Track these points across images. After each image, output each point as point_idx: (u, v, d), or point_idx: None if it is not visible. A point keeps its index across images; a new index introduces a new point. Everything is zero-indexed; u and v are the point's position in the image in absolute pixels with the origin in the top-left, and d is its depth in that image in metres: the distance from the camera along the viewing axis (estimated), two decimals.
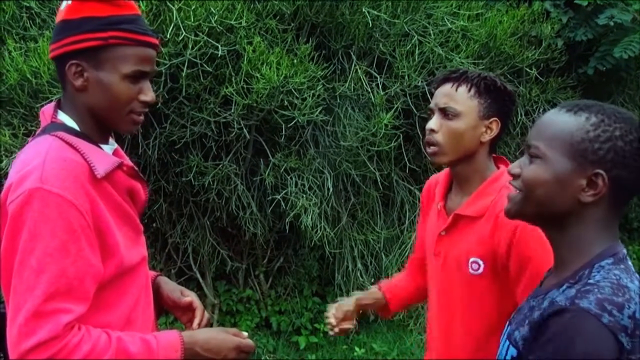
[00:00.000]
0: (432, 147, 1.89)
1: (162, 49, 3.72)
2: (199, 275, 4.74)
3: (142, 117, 1.57)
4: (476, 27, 4.56)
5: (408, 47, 4.32)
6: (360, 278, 4.66)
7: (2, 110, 3.91)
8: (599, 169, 1.22)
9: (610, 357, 1.13)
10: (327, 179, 4.27)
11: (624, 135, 1.23)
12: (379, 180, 4.34)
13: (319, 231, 4.21)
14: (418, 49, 4.31)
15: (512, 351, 1.26)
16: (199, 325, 1.75)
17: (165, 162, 4.30)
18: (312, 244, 4.41)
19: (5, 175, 3.88)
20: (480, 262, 1.85)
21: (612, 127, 1.23)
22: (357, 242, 4.62)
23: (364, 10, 4.17)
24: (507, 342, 1.29)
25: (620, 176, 1.23)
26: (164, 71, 3.78)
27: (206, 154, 4.25)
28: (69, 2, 1.50)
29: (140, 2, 3.70)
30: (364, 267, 4.66)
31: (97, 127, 1.55)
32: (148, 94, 1.54)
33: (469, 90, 1.86)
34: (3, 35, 4.02)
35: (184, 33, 3.70)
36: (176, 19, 3.70)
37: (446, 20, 4.48)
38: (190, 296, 1.80)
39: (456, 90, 1.86)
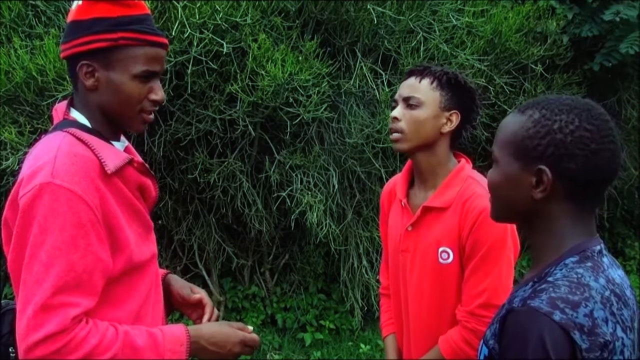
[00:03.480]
0: (395, 134, 1.98)
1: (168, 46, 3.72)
2: (204, 273, 4.75)
3: (152, 116, 1.59)
4: (481, 24, 4.55)
5: (413, 44, 4.31)
6: (366, 275, 4.66)
7: (8, 108, 3.92)
8: (541, 164, 1.22)
9: (563, 353, 1.11)
10: (333, 176, 4.27)
11: (563, 127, 1.21)
12: (384, 177, 4.33)
13: (324, 228, 4.21)
14: (423, 46, 4.31)
15: (485, 350, 1.26)
16: (209, 321, 1.76)
17: (170, 159, 4.30)
18: (318, 240, 4.41)
19: (12, 172, 3.89)
20: (450, 251, 1.94)
21: (551, 121, 1.22)
22: (363, 239, 4.62)
23: (369, 7, 4.17)
24: (482, 342, 1.29)
25: (568, 168, 1.21)
26: (169, 69, 3.78)
27: (211, 151, 4.26)
28: (80, 2, 1.51)
29: (146, 0, 3.71)
30: (369, 264, 4.67)
31: (108, 125, 1.57)
32: (158, 93, 1.56)
33: (432, 82, 1.98)
34: (9, 34, 4.03)
35: (189, 30, 3.70)
36: (181, 16, 3.70)
37: (451, 16, 4.47)
38: (200, 293, 1.80)
39: (420, 82, 1.99)
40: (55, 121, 1.60)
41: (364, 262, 4.66)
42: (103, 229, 1.45)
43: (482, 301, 1.87)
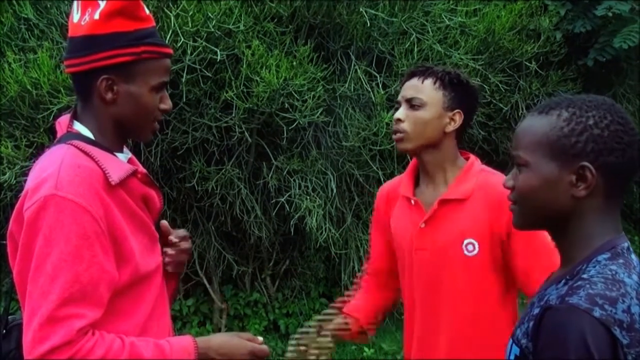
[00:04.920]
0: (398, 134, 1.98)
1: None
2: (205, 281, 4.74)
3: (158, 125, 1.63)
4: (474, 23, 4.56)
5: (407, 45, 4.31)
6: None
7: (3, 122, 3.92)
8: (583, 161, 1.21)
9: (605, 350, 1.11)
10: (331, 180, 4.27)
11: (599, 122, 1.22)
12: (382, 179, 4.32)
13: (324, 232, 4.21)
14: (417, 47, 4.31)
15: (515, 350, 1.25)
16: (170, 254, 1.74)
17: (168, 168, 4.30)
18: (318, 245, 4.41)
19: (9, 186, 3.88)
20: (475, 243, 1.92)
21: (585, 117, 1.22)
22: (363, 242, 4.61)
23: (361, 9, 4.17)
24: (511, 341, 1.28)
25: (608, 162, 1.21)
26: None
27: (209, 159, 4.25)
28: (95, 17, 1.51)
29: None
30: None
31: (114, 137, 1.58)
32: (167, 102, 1.60)
33: (434, 82, 1.97)
34: (2, 48, 4.03)
35: (183, 39, 3.70)
36: (174, 25, 3.70)
37: (444, 16, 4.47)
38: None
39: (422, 82, 1.98)
40: (59, 134, 1.60)
41: (365, 265, 4.65)
42: (108, 240, 1.45)
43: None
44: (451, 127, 1.98)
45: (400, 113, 1.97)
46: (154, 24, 1.58)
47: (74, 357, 1.37)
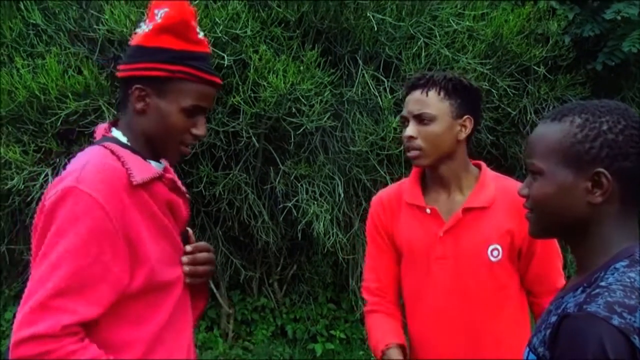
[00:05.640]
0: (413, 151, 1.95)
1: None
2: (213, 286, 4.73)
3: (189, 150, 1.64)
4: (482, 27, 4.54)
5: (414, 50, 4.30)
6: None
7: (11, 128, 3.93)
8: (598, 167, 1.20)
9: (623, 358, 1.09)
10: (338, 185, 4.26)
11: (612, 127, 1.21)
12: (389, 184, 4.31)
13: (331, 237, 4.19)
14: (424, 51, 4.30)
15: (532, 358, 1.24)
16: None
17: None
18: (325, 250, 4.40)
19: (17, 192, 3.90)
20: (500, 248, 1.94)
21: (598, 123, 1.21)
22: None
23: (368, 14, 4.17)
24: (528, 349, 1.27)
25: (623, 167, 1.20)
26: None
27: (216, 163, 4.25)
28: (147, 29, 1.56)
29: (146, 15, 3.71)
30: None
31: (146, 148, 1.60)
32: (200, 129, 1.60)
33: (439, 93, 1.94)
34: (11, 53, 4.04)
35: None
36: None
37: (451, 21, 4.46)
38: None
39: (427, 95, 1.94)
40: (96, 139, 1.64)
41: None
42: (122, 241, 1.45)
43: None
44: (463, 134, 1.96)
45: (411, 130, 1.93)
46: (206, 50, 1.61)
47: (51, 352, 1.37)
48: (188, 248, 1.67)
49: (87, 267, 1.40)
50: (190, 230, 1.73)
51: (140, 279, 1.48)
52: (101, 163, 1.49)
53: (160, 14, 1.56)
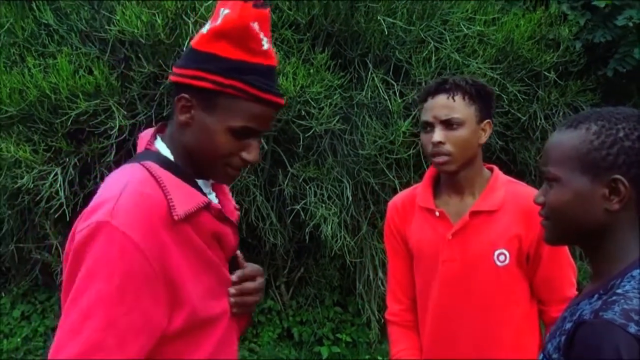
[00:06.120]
0: (442, 157, 1.92)
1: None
2: None
3: (239, 172, 1.45)
4: (493, 32, 4.53)
5: (424, 54, 4.30)
6: (382, 287, 4.63)
7: (22, 127, 3.95)
8: (615, 174, 1.20)
9: None
10: (346, 188, 4.25)
11: (629, 133, 1.21)
12: (398, 188, 4.31)
13: (339, 240, 4.19)
14: (434, 56, 4.29)
15: None
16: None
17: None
18: (333, 253, 4.39)
19: (27, 191, 3.91)
20: (506, 253, 1.93)
21: (615, 130, 1.21)
22: (378, 251, 4.59)
23: (379, 18, 4.17)
24: (542, 355, 1.26)
25: None
26: None
27: None
28: (205, 30, 1.37)
29: (157, 16, 3.73)
30: (385, 276, 4.63)
31: (192, 164, 1.42)
32: (251, 154, 1.39)
33: (464, 98, 1.93)
34: (22, 53, 4.06)
35: None
36: (192, 32, 3.71)
37: (462, 25, 4.46)
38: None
39: (453, 100, 1.93)
40: (138, 150, 1.45)
41: (380, 274, 4.63)
42: (160, 283, 1.27)
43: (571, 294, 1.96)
44: (484, 138, 1.97)
45: (439, 135, 1.91)
46: (271, 62, 1.39)
47: None
48: (234, 277, 1.47)
49: (123, 317, 1.23)
50: (239, 254, 1.54)
51: (179, 321, 1.31)
52: (139, 193, 1.29)
53: (222, 15, 1.34)
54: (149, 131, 1.47)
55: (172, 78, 1.40)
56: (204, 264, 1.37)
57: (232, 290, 1.46)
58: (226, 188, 1.55)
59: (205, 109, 1.35)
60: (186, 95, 1.35)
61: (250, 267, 1.53)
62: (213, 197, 1.49)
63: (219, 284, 1.43)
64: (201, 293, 1.35)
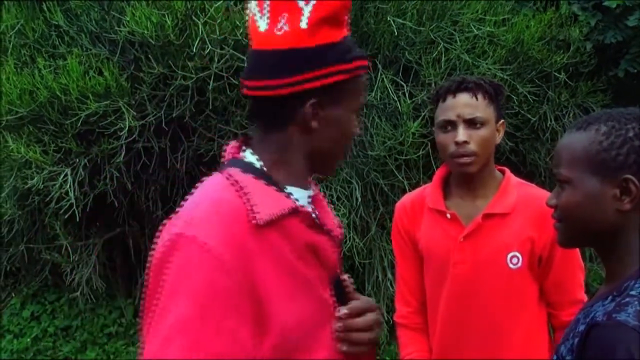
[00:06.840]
0: (466, 158, 1.90)
1: (189, 62, 3.74)
2: None
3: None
4: (503, 33, 4.52)
5: (434, 55, 4.29)
6: (391, 288, 4.62)
7: (32, 128, 3.96)
8: (626, 174, 1.20)
9: None
10: (355, 189, 4.25)
11: (639, 133, 1.21)
12: (407, 189, 4.30)
13: (348, 241, 4.19)
14: (444, 56, 4.28)
15: None
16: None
17: (193, 175, 4.31)
18: (342, 254, 4.38)
19: (37, 191, 3.93)
20: (519, 256, 1.92)
21: (624, 130, 1.21)
22: (387, 252, 4.58)
23: (389, 19, 4.16)
24: (555, 357, 1.26)
25: None
26: (190, 85, 3.80)
27: None
28: (303, 26, 1.21)
29: (167, 17, 3.74)
30: (394, 277, 4.62)
31: (300, 172, 1.28)
32: (357, 127, 1.31)
33: (485, 97, 1.93)
34: (33, 54, 4.08)
35: (210, 47, 3.72)
36: (202, 32, 3.72)
37: (472, 26, 4.44)
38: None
39: (476, 99, 1.92)
40: (225, 160, 1.34)
41: (389, 275, 4.62)
42: (246, 298, 1.12)
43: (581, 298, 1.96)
44: (499, 139, 1.97)
45: (463, 134, 1.88)
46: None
47: None
48: (339, 314, 1.26)
49: (210, 341, 1.08)
50: (346, 278, 1.34)
51: (266, 350, 1.13)
52: (217, 199, 1.17)
53: (307, 6, 1.20)
54: (236, 143, 1.34)
55: (283, 91, 1.20)
56: (298, 282, 1.20)
57: (337, 326, 1.26)
58: (325, 202, 1.42)
59: (332, 103, 1.23)
60: (315, 100, 1.21)
61: (363, 300, 1.32)
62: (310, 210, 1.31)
63: (319, 310, 1.24)
64: (294, 320, 1.17)
